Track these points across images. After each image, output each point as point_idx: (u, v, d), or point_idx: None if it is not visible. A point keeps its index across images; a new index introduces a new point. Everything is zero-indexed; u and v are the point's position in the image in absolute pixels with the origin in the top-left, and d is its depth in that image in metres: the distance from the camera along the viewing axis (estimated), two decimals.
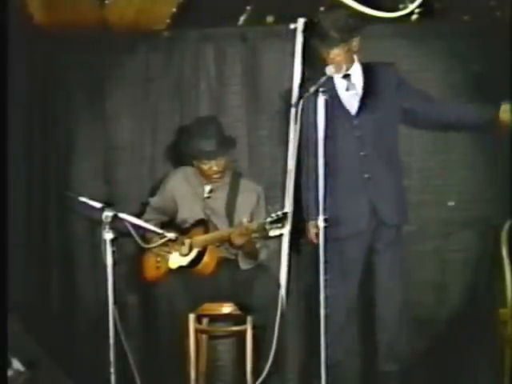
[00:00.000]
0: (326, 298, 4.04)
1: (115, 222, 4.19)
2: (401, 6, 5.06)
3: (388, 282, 4.66)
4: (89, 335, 5.15)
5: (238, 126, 5.18)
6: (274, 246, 4.93)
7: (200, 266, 4.68)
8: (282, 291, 4.74)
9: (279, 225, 4.42)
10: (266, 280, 4.67)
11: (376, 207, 4.60)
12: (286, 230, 4.61)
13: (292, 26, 5.11)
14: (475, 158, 5.07)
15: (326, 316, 4.04)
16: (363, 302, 4.79)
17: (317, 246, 4.12)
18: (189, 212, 4.82)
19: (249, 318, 4.66)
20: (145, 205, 4.98)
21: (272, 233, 4.45)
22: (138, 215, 4.76)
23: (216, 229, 4.75)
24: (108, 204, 4.26)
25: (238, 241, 4.58)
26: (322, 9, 4.91)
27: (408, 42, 5.07)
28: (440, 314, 5.06)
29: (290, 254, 5.01)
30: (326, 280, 4.03)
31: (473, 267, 5.05)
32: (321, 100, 4.10)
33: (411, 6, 5.04)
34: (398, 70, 4.68)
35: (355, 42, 4.55)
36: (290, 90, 4.97)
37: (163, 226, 4.74)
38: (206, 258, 4.68)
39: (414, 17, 5.09)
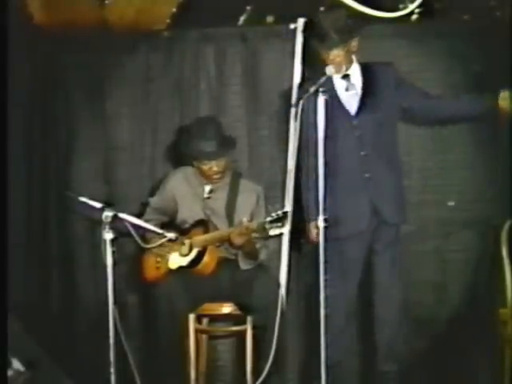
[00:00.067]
0: (326, 298, 4.04)
1: (115, 222, 4.19)
2: (401, 5, 5.06)
3: (387, 282, 4.66)
4: (89, 335, 5.15)
5: (238, 126, 5.18)
6: (273, 245, 4.93)
7: (200, 266, 4.68)
8: (282, 290, 4.74)
9: (279, 224, 4.43)
10: (265, 280, 4.67)
11: (377, 207, 4.60)
12: (286, 230, 4.61)
13: (292, 26, 5.11)
14: (475, 158, 5.07)
15: (326, 316, 4.04)
16: (363, 302, 4.79)
17: (317, 245, 4.11)
18: (189, 212, 4.82)
19: (249, 318, 4.66)
20: (145, 205, 4.98)
21: (272, 232, 4.45)
22: (138, 215, 4.76)
23: (216, 229, 4.75)
24: (108, 204, 4.26)
25: (238, 240, 4.58)
26: (321, 9, 4.91)
27: (408, 42, 5.08)
28: (440, 314, 5.06)
29: (289, 254, 5.00)
30: (326, 280, 4.03)
31: (473, 267, 5.05)
32: (321, 100, 4.11)
33: (411, 6, 5.05)
34: (396, 70, 4.68)
35: (354, 43, 4.55)
36: (289, 90, 4.97)
37: (163, 226, 4.74)
38: (205, 258, 4.68)
39: (414, 17, 5.09)
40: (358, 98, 4.63)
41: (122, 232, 4.27)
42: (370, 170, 4.60)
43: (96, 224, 4.52)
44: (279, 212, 4.43)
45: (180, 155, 5.02)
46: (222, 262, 4.74)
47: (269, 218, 4.44)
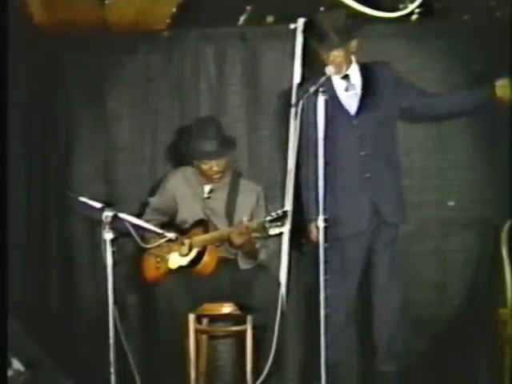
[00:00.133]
0: (326, 298, 4.03)
1: (115, 222, 4.19)
2: (401, 5, 5.06)
3: (386, 282, 4.66)
4: (89, 335, 5.15)
5: (238, 126, 5.18)
6: (273, 245, 4.94)
7: (200, 266, 4.68)
8: (283, 290, 4.74)
9: (279, 223, 4.43)
10: (265, 280, 4.67)
11: (377, 207, 4.60)
12: (286, 229, 4.61)
13: (292, 26, 5.11)
14: (475, 158, 5.07)
15: (326, 316, 4.04)
16: (362, 302, 4.79)
17: (317, 245, 4.11)
18: (188, 212, 4.82)
19: (249, 318, 4.66)
20: (145, 205, 4.97)
21: (272, 231, 4.45)
22: (138, 215, 4.76)
23: (216, 229, 4.75)
24: (108, 204, 4.26)
25: (238, 240, 4.58)
26: (321, 9, 4.91)
27: (408, 42, 5.08)
28: (440, 314, 5.06)
29: (290, 254, 5.00)
30: (326, 280, 4.03)
31: (473, 267, 5.05)
32: (321, 100, 4.10)
33: (411, 6, 5.05)
34: (393, 69, 4.68)
35: (354, 43, 4.56)
36: (289, 90, 4.97)
37: (163, 226, 4.74)
38: (205, 258, 4.68)
39: (414, 17, 5.09)
40: (358, 98, 4.63)
41: (122, 232, 4.27)
42: (370, 170, 4.60)
43: (96, 224, 4.51)
44: (279, 211, 4.44)
45: (180, 155, 5.02)
46: (222, 262, 4.74)
47: (269, 218, 4.44)
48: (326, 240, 4.06)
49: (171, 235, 4.57)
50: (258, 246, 4.75)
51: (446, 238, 5.08)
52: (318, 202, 4.11)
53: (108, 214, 4.17)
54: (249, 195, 4.85)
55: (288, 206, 4.59)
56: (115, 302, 4.13)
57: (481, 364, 4.89)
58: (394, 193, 4.66)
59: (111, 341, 4.12)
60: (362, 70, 4.65)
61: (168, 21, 5.20)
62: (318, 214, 4.11)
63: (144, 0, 5.16)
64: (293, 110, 4.85)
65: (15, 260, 4.84)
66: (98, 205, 4.26)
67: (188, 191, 4.87)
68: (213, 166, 4.77)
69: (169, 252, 4.75)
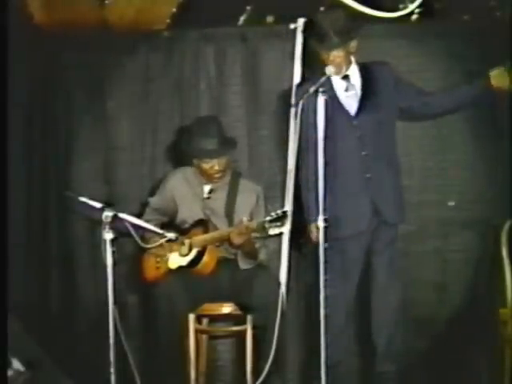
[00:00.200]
0: (326, 298, 4.04)
1: (115, 222, 4.19)
2: (401, 5, 5.06)
3: (386, 282, 4.66)
4: (89, 335, 5.14)
5: (238, 126, 5.18)
6: (273, 245, 4.94)
7: (200, 266, 4.68)
8: (283, 288, 4.74)
9: (279, 223, 4.43)
10: (265, 280, 4.67)
11: (378, 207, 4.61)
12: (285, 229, 4.61)
13: (292, 26, 5.11)
14: (475, 158, 5.07)
15: (326, 316, 4.04)
16: (362, 302, 4.79)
17: (317, 245, 4.11)
18: (188, 212, 4.82)
19: (249, 318, 4.66)
20: (144, 205, 4.98)
21: (272, 231, 4.46)
22: (138, 215, 4.76)
23: (216, 229, 4.75)
24: (108, 204, 4.26)
25: (238, 240, 4.58)
26: (321, 9, 4.91)
27: (408, 42, 5.08)
28: (440, 314, 5.06)
29: (290, 254, 5.00)
30: (326, 280, 4.03)
31: (473, 267, 5.05)
32: (321, 100, 4.10)
33: (411, 6, 5.05)
34: (392, 69, 4.68)
35: (354, 44, 4.56)
36: (289, 90, 4.97)
37: (163, 226, 4.74)
38: (205, 258, 4.68)
39: (414, 17, 5.09)
40: (358, 98, 4.63)
41: (122, 232, 4.27)
42: (371, 170, 4.60)
43: (96, 224, 4.52)
44: (279, 211, 4.44)
45: (180, 155, 5.02)
46: (222, 262, 4.74)
47: (268, 218, 4.44)
48: (325, 240, 4.06)
49: (171, 235, 4.56)
50: (257, 245, 4.75)
51: (445, 238, 5.08)
52: (318, 202, 4.11)
53: (108, 214, 4.17)
54: (248, 195, 4.85)
55: (288, 206, 4.59)
56: (115, 302, 4.13)
57: (481, 364, 4.89)
58: (393, 193, 4.67)
59: (111, 341, 4.12)
60: (362, 70, 4.65)
61: (168, 21, 5.20)
62: (318, 214, 4.12)
63: (144, 0, 5.16)
64: (293, 110, 4.85)
65: (15, 260, 4.84)
66: (98, 205, 4.26)
67: (188, 191, 4.87)
68: (214, 165, 4.76)
69: (169, 252, 4.75)
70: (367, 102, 4.62)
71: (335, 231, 4.26)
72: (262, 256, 4.81)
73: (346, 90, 4.63)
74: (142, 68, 5.28)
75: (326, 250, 4.04)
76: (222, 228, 4.75)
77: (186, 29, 5.23)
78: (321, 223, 4.09)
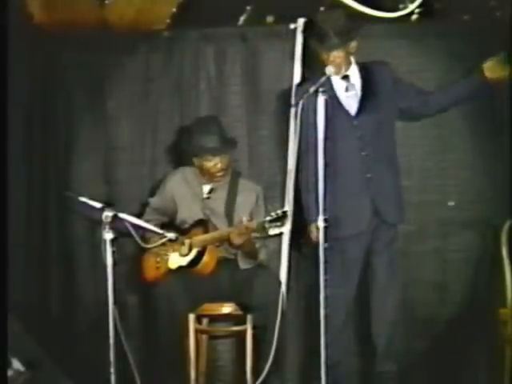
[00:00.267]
0: (326, 298, 4.04)
1: (115, 222, 4.19)
2: (401, 5, 5.06)
3: (386, 282, 4.67)
4: (89, 335, 5.14)
5: (238, 126, 5.18)
6: (273, 245, 4.94)
7: (200, 266, 4.68)
8: (283, 288, 4.74)
9: (279, 223, 4.43)
10: (265, 279, 4.67)
11: (378, 207, 4.61)
12: (285, 229, 4.61)
13: (292, 26, 5.11)
14: (475, 158, 5.07)
15: (326, 316, 4.04)
16: (362, 302, 4.79)
17: (317, 245, 4.11)
18: (188, 212, 4.82)
19: (249, 318, 4.67)
20: (144, 205, 4.98)
21: (272, 231, 4.46)
22: (138, 215, 4.76)
23: (215, 229, 4.75)
24: (108, 204, 4.26)
25: (238, 240, 4.58)
26: (321, 9, 4.91)
27: (408, 42, 5.08)
28: (440, 314, 5.06)
29: (290, 254, 5.00)
30: (326, 280, 4.03)
31: (473, 267, 5.05)
32: (321, 100, 4.10)
33: (411, 6, 5.05)
34: (392, 69, 4.69)
35: (354, 44, 4.56)
36: (289, 90, 4.97)
37: (163, 226, 4.74)
38: (205, 258, 4.68)
39: (414, 17, 5.09)
40: (358, 98, 4.64)
41: (122, 232, 4.27)
42: (371, 171, 4.60)
43: (96, 224, 4.52)
44: (279, 211, 4.44)
45: (181, 154, 5.03)
46: (222, 262, 4.74)
47: (268, 218, 4.44)
48: (326, 240, 4.06)
49: (171, 235, 4.56)
50: (257, 245, 4.76)
51: (445, 238, 5.08)
52: (318, 202, 4.11)
53: (108, 214, 4.17)
54: (248, 195, 4.85)
55: (288, 206, 4.59)
56: (115, 302, 4.13)
57: (481, 364, 4.90)
58: (393, 193, 4.67)
59: (111, 341, 4.12)
60: (362, 70, 4.65)
61: (168, 21, 5.20)
62: (318, 214, 4.12)
63: (144, 0, 5.16)
64: (293, 110, 4.85)
65: (15, 260, 4.84)
66: (98, 205, 4.26)
67: (187, 191, 4.87)
68: (217, 163, 4.76)
69: (169, 252, 4.75)
70: (367, 102, 4.62)
71: (335, 231, 4.26)
72: (262, 256, 4.81)
73: (346, 90, 4.64)
74: (142, 68, 5.28)
75: (326, 250, 4.04)
76: (222, 228, 4.75)
77: (186, 29, 5.23)
78: (321, 223, 4.09)
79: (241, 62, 5.23)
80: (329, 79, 4.37)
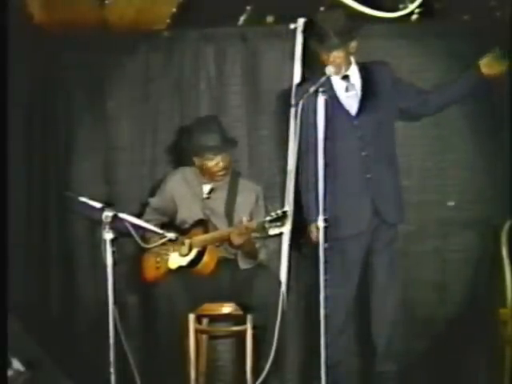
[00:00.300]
0: (326, 298, 4.04)
1: (115, 222, 4.19)
2: (401, 5, 5.06)
3: (386, 282, 4.67)
4: (89, 335, 5.14)
5: (238, 126, 5.18)
6: (273, 245, 4.94)
7: (200, 266, 4.68)
8: (283, 288, 4.74)
9: (279, 224, 4.43)
10: (265, 279, 4.67)
11: (378, 207, 4.61)
12: (285, 229, 4.61)
13: (292, 26, 5.11)
14: (475, 158, 5.07)
15: (326, 316, 4.04)
16: (362, 302, 4.79)
17: (317, 245, 4.11)
18: (188, 212, 4.82)
19: (249, 318, 4.66)
20: (145, 205, 4.98)
21: (272, 232, 4.46)
22: (138, 215, 4.76)
23: (215, 229, 4.75)
24: (108, 204, 4.26)
25: (238, 240, 4.58)
26: (321, 9, 4.91)
27: (408, 42, 5.08)
28: (440, 314, 5.06)
29: (290, 254, 5.00)
30: (326, 280, 4.03)
31: (473, 267, 5.05)
32: (321, 100, 4.10)
33: (411, 6, 5.05)
34: (391, 69, 4.69)
35: (354, 44, 4.56)
36: (289, 90, 4.97)
37: (163, 226, 4.74)
38: (205, 258, 4.68)
39: (414, 17, 5.09)
40: (358, 98, 4.64)
41: (122, 232, 4.26)
42: (371, 171, 4.60)
43: (96, 224, 4.52)
44: (279, 211, 4.44)
45: (181, 154, 5.03)
46: (222, 262, 4.74)
47: (268, 218, 4.44)
48: (326, 240, 4.06)
49: (171, 235, 4.56)
50: (257, 245, 4.76)
51: (445, 238, 5.08)
52: (318, 202, 4.11)
53: (108, 214, 4.17)
54: (248, 195, 4.85)
55: (288, 207, 4.59)
56: (115, 302, 4.13)
57: (481, 364, 4.90)
58: (393, 193, 4.67)
59: (111, 341, 4.12)
60: (361, 70, 4.65)
61: (168, 21, 5.20)
62: (318, 215, 4.11)
63: (144, 0, 5.16)
64: (293, 110, 4.85)
65: (15, 260, 4.84)
66: (98, 205, 4.26)
67: (187, 192, 4.87)
68: (219, 161, 4.76)
69: (169, 252, 4.75)
70: (367, 102, 4.62)
71: (335, 231, 4.26)
72: (262, 256, 4.81)
73: (347, 90, 4.64)
74: (142, 68, 5.28)
75: (326, 250, 4.04)
76: (222, 228, 4.75)
77: (186, 29, 5.23)
78: (321, 223, 4.09)
79: (241, 62, 5.23)
80: (329, 79, 4.38)
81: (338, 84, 4.63)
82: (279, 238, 4.92)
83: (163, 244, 4.64)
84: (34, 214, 5.32)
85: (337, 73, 4.51)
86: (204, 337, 4.93)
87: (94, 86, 5.29)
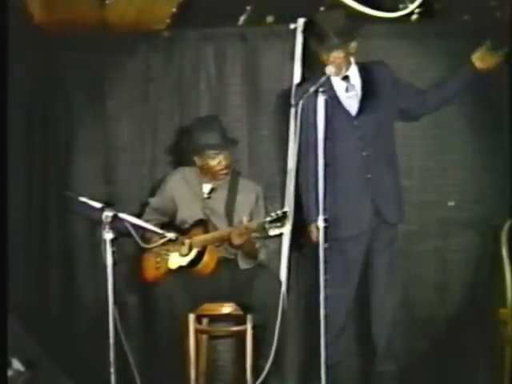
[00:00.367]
0: (326, 298, 4.04)
1: (115, 222, 4.19)
2: (401, 5, 5.06)
3: (386, 282, 4.67)
4: (89, 335, 5.14)
5: (238, 126, 5.18)
6: (273, 245, 4.94)
7: (200, 266, 4.68)
8: (283, 288, 4.74)
9: (279, 224, 4.43)
10: (266, 279, 4.67)
11: (378, 207, 4.61)
12: (286, 230, 4.61)
13: (292, 26, 5.11)
14: (475, 158, 5.07)
15: (326, 316, 4.04)
16: (362, 302, 4.79)
17: (317, 246, 4.11)
18: (188, 212, 4.82)
19: (249, 318, 4.67)
20: (145, 205, 4.98)
21: (272, 232, 4.46)
22: (138, 215, 4.76)
23: (215, 229, 4.75)
24: (108, 204, 4.26)
25: (238, 240, 4.58)
26: (321, 9, 4.91)
27: (408, 42, 5.08)
28: (440, 314, 5.06)
29: (290, 254, 5.00)
30: (326, 280, 4.03)
31: (473, 267, 5.05)
32: (321, 100, 4.10)
33: (411, 6, 5.05)
34: (391, 70, 4.69)
35: (354, 44, 4.56)
36: (289, 90, 4.96)
37: (163, 226, 4.74)
38: (205, 258, 4.68)
39: (414, 17, 5.09)
40: (358, 98, 4.64)
41: (122, 232, 4.26)
42: (372, 171, 4.61)
43: (96, 224, 4.52)
44: (279, 212, 4.44)
45: (181, 154, 5.03)
46: (222, 262, 4.74)
47: (268, 218, 4.44)
48: (326, 240, 4.06)
49: (171, 235, 4.56)
50: (257, 245, 4.76)
51: (446, 238, 5.08)
52: (318, 202, 4.11)
53: (108, 214, 4.17)
54: (248, 194, 4.85)
55: (288, 207, 4.59)
56: (115, 302, 4.13)
57: (481, 364, 4.90)
58: (393, 193, 4.67)
59: (111, 341, 4.12)
60: (361, 70, 4.65)
61: (168, 21, 5.20)
62: (318, 215, 4.11)
63: (144, 0, 5.16)
64: (293, 110, 4.85)
65: (15, 260, 4.84)
66: (98, 205, 4.26)
67: (187, 191, 4.87)
68: (221, 160, 4.76)
69: (169, 252, 4.75)
70: (367, 102, 4.62)
71: (335, 231, 4.26)
72: (262, 256, 4.81)
73: (347, 90, 4.64)
74: (142, 68, 5.28)
75: (326, 250, 4.04)
76: (222, 228, 4.75)
77: (186, 29, 5.23)
78: (321, 223, 4.09)
79: (241, 62, 5.23)
80: (329, 79, 4.38)
81: (338, 84, 4.63)
82: (279, 238, 4.92)
83: (163, 244, 4.64)
84: (33, 214, 5.32)
85: (337, 73, 4.52)
86: (204, 337, 4.94)
87: (94, 85, 5.29)
